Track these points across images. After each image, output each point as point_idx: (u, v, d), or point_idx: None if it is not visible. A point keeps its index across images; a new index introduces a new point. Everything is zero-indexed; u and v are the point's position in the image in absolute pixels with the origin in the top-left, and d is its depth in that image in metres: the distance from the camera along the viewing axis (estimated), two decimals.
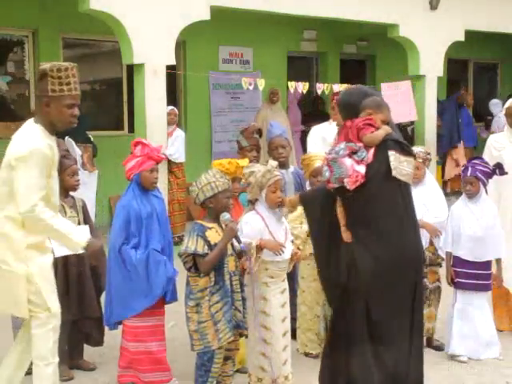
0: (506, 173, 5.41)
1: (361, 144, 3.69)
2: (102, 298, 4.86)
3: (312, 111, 12.23)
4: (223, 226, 4.19)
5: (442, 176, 12.27)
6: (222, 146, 11.56)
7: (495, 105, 13.33)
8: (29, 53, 9.88)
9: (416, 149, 5.56)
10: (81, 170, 7.06)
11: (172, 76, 9.28)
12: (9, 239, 3.77)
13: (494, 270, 5.46)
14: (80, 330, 4.94)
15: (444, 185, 12.08)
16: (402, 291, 3.76)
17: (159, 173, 4.79)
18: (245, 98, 11.85)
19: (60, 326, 3.94)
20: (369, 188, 3.69)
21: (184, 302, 4.26)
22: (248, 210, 4.61)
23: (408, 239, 3.83)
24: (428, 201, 5.35)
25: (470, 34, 10.83)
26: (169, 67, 8.13)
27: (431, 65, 10.42)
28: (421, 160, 5.39)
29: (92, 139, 8.55)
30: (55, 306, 3.91)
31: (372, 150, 3.68)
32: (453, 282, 5.35)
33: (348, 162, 3.68)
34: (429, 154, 5.57)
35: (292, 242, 4.69)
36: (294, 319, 4.99)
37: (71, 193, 4.92)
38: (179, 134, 9.39)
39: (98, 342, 5.07)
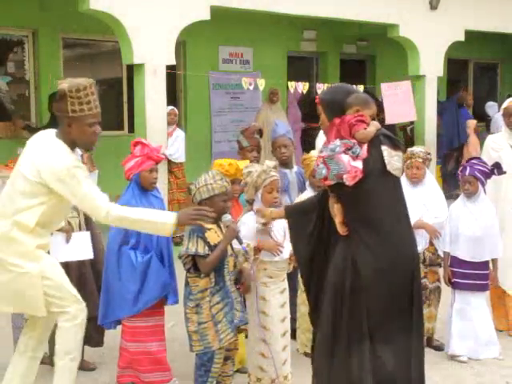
0: (505, 172, 5.41)
1: (354, 140, 3.70)
2: None
3: (309, 111, 12.25)
4: (222, 226, 4.20)
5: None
6: (222, 146, 11.56)
7: (491, 107, 13.37)
8: (29, 53, 9.89)
9: (416, 149, 5.57)
10: None
11: (172, 76, 9.28)
12: (17, 243, 3.75)
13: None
14: None
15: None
16: (401, 289, 3.75)
17: (159, 173, 4.79)
18: (245, 98, 11.86)
19: None
20: (367, 183, 3.68)
21: (183, 302, 4.26)
22: (246, 210, 4.61)
23: (405, 236, 3.83)
24: (428, 201, 5.36)
25: (469, 34, 10.82)
26: (169, 67, 8.13)
27: (431, 65, 10.42)
28: (421, 160, 5.40)
29: None
30: (81, 299, 3.91)
31: (365, 146, 3.69)
32: (450, 282, 5.36)
33: (345, 158, 3.67)
34: (429, 154, 5.57)
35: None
36: (294, 319, 4.99)
37: None
38: (179, 133, 9.39)
39: (98, 342, 5.07)
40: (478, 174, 5.27)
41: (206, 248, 4.04)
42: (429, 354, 4.92)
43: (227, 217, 4.17)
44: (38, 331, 3.98)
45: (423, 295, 5.03)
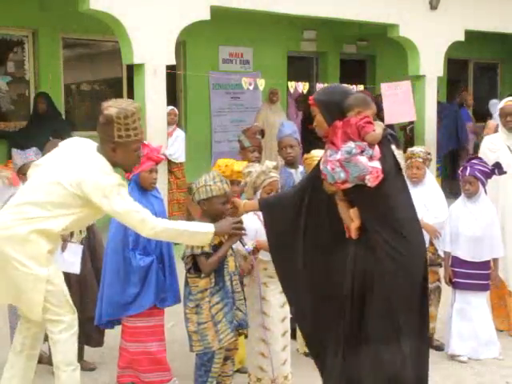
0: (505, 172, 5.41)
1: (364, 142, 3.65)
2: None
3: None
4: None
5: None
6: (222, 146, 11.55)
7: (494, 105, 13.29)
8: (29, 53, 9.88)
9: (416, 149, 5.57)
10: None
11: (172, 76, 9.28)
12: (32, 244, 3.71)
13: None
14: (80, 331, 4.93)
15: None
16: (416, 288, 3.75)
17: (159, 173, 4.79)
18: (245, 98, 11.85)
19: None
20: (386, 183, 3.63)
21: (183, 302, 4.26)
22: None
23: (419, 235, 3.85)
24: (428, 201, 5.36)
25: (469, 33, 10.82)
26: (169, 67, 8.13)
27: (431, 65, 10.41)
28: (421, 160, 5.40)
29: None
30: (75, 309, 3.91)
31: (377, 147, 3.66)
32: (451, 282, 5.36)
33: (363, 159, 3.60)
34: (429, 153, 5.58)
35: None
36: (294, 319, 4.98)
37: None
38: (179, 133, 9.39)
39: (99, 342, 5.07)
40: (479, 174, 5.27)
41: (210, 246, 4.05)
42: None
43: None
44: (33, 330, 3.97)
45: None
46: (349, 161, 3.62)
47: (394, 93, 9.57)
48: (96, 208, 3.76)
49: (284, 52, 12.30)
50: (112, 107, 3.75)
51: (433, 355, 5.22)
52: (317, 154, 5.38)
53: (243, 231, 4.08)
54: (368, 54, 13.48)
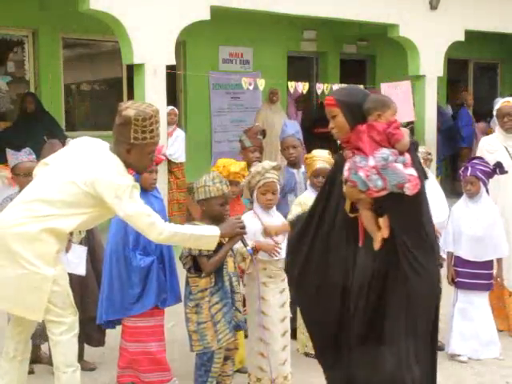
0: (506, 171, 5.41)
1: (394, 149, 3.52)
2: None
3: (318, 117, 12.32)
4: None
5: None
6: (222, 146, 11.55)
7: (498, 104, 13.28)
8: (29, 53, 9.89)
9: None
10: None
11: (172, 76, 9.28)
12: (41, 243, 3.68)
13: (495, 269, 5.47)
14: (81, 331, 4.93)
15: None
16: (435, 300, 3.78)
17: (159, 173, 4.79)
18: (245, 98, 11.86)
19: None
20: (422, 192, 3.54)
21: (183, 302, 4.27)
22: (247, 210, 4.62)
23: (436, 243, 3.83)
24: (428, 201, 5.34)
25: (469, 33, 10.82)
26: (169, 67, 8.13)
27: (431, 65, 10.41)
28: (422, 160, 5.39)
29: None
30: (77, 311, 3.90)
31: (407, 154, 3.54)
32: (453, 282, 5.36)
33: (400, 166, 3.47)
34: (429, 154, 5.58)
35: None
36: (294, 319, 4.99)
37: None
38: (179, 133, 9.39)
39: (99, 342, 5.07)
40: (480, 174, 5.27)
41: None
42: None
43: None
44: (24, 333, 3.94)
45: None
46: (385, 168, 3.47)
47: (394, 93, 9.55)
48: (107, 209, 3.74)
49: (284, 52, 12.31)
50: (130, 108, 3.73)
51: None
52: (317, 154, 5.39)
53: (245, 231, 4.08)
54: (368, 53, 13.48)
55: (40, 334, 4.69)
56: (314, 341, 4.01)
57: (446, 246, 5.38)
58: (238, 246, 4.26)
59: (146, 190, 4.54)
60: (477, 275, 5.29)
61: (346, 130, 3.66)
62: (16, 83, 10.11)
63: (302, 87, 9.27)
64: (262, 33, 11.52)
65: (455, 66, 14.21)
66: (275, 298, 4.49)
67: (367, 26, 10.71)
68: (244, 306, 4.39)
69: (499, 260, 5.45)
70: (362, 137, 3.56)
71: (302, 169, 5.67)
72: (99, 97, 11.00)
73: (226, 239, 4.15)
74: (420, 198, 3.58)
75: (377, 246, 3.58)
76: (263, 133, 6.02)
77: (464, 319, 5.30)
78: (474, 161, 5.43)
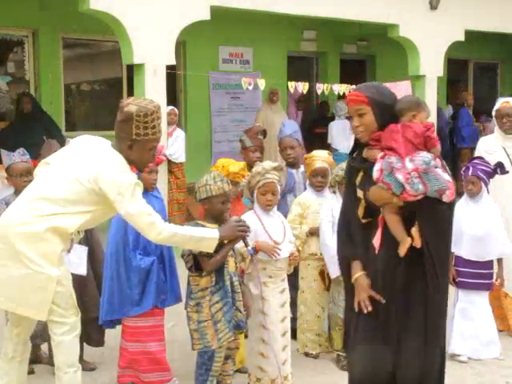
0: (507, 172, 5.41)
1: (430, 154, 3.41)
2: None
3: (318, 117, 12.38)
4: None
5: None
6: (222, 146, 11.56)
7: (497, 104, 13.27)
8: (29, 53, 9.89)
9: None
10: None
11: (172, 76, 9.27)
12: (47, 243, 3.66)
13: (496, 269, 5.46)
14: (81, 331, 4.93)
15: None
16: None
17: (159, 173, 4.79)
18: (245, 98, 11.86)
19: None
20: (455, 200, 3.44)
21: (185, 301, 4.27)
22: (248, 209, 4.62)
23: None
24: None
25: (469, 33, 10.82)
26: (169, 67, 8.12)
27: (431, 65, 10.41)
28: None
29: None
30: (79, 311, 3.89)
31: (437, 159, 3.44)
32: (454, 282, 5.36)
33: (440, 171, 3.31)
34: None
35: (292, 242, 4.70)
36: (294, 319, 4.99)
37: None
38: (179, 133, 9.39)
39: (99, 342, 5.06)
40: (481, 174, 5.27)
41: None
42: None
43: (234, 218, 4.19)
44: (22, 335, 3.93)
45: None
46: (427, 172, 3.32)
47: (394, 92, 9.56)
48: (110, 207, 3.73)
49: (284, 52, 12.31)
50: (132, 105, 3.74)
51: None
52: (317, 154, 5.39)
53: (247, 231, 4.08)
54: (368, 54, 13.49)
55: (40, 334, 4.70)
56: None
57: None
58: (239, 245, 4.26)
59: (147, 190, 4.54)
60: (478, 275, 5.29)
61: (372, 130, 3.49)
62: (16, 83, 10.11)
63: (302, 87, 9.26)
64: (262, 33, 11.52)
65: (455, 66, 14.22)
66: (275, 297, 4.49)
67: (367, 26, 10.71)
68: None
69: (500, 260, 5.45)
70: (396, 137, 3.39)
71: (301, 169, 5.66)
72: (99, 97, 11.00)
73: None
74: (453, 206, 3.49)
75: (403, 251, 3.41)
76: (264, 133, 6.01)
77: (464, 319, 5.30)
78: (475, 161, 5.43)
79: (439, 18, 10.32)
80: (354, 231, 3.64)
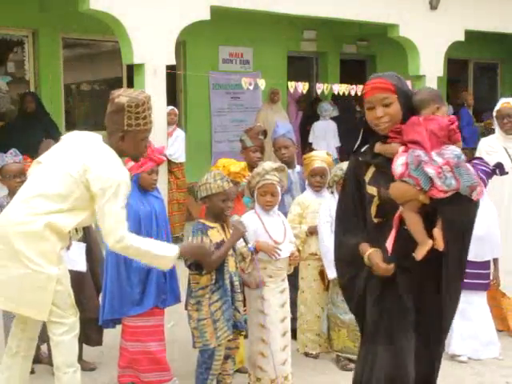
0: (507, 172, 5.41)
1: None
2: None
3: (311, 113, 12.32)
4: (226, 226, 4.22)
5: None
6: (222, 146, 11.56)
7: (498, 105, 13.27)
8: (29, 53, 9.89)
9: None
10: None
11: (172, 76, 9.27)
12: (46, 242, 3.66)
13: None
14: (80, 331, 4.93)
15: None
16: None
17: (159, 173, 4.78)
18: (245, 98, 11.86)
19: None
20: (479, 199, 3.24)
21: (185, 299, 4.28)
22: (249, 209, 4.63)
23: None
24: None
25: (470, 33, 10.82)
26: (169, 67, 8.13)
27: (431, 65, 10.41)
28: None
29: None
30: (77, 311, 3.89)
31: None
32: None
33: (470, 167, 3.12)
34: None
35: (292, 242, 4.70)
36: (294, 319, 4.99)
37: None
38: (179, 133, 9.38)
39: (97, 342, 5.06)
40: (481, 174, 5.26)
41: (211, 246, 4.06)
42: None
43: (235, 217, 4.20)
44: (27, 332, 3.93)
45: None
46: (458, 166, 3.09)
47: None
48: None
49: (284, 52, 12.31)
50: (123, 96, 3.75)
51: None
52: (315, 154, 5.39)
53: (245, 229, 4.10)
54: (368, 54, 13.48)
55: (40, 335, 4.69)
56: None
57: None
58: (239, 244, 4.27)
59: (147, 190, 4.54)
60: (476, 275, 5.28)
61: (397, 121, 3.21)
62: (16, 83, 10.11)
63: (302, 87, 9.26)
64: (262, 33, 11.52)
65: (455, 66, 14.21)
66: (275, 297, 4.49)
67: (367, 26, 10.71)
68: (244, 305, 4.39)
69: (495, 260, 5.46)
70: (420, 130, 3.14)
71: (297, 168, 5.67)
72: (99, 97, 10.99)
73: (228, 236, 4.18)
74: (478, 205, 3.26)
75: (421, 255, 3.17)
76: (264, 133, 6.01)
77: (463, 319, 5.30)
78: (475, 161, 5.43)
79: (439, 18, 10.32)
80: (354, 229, 3.42)
